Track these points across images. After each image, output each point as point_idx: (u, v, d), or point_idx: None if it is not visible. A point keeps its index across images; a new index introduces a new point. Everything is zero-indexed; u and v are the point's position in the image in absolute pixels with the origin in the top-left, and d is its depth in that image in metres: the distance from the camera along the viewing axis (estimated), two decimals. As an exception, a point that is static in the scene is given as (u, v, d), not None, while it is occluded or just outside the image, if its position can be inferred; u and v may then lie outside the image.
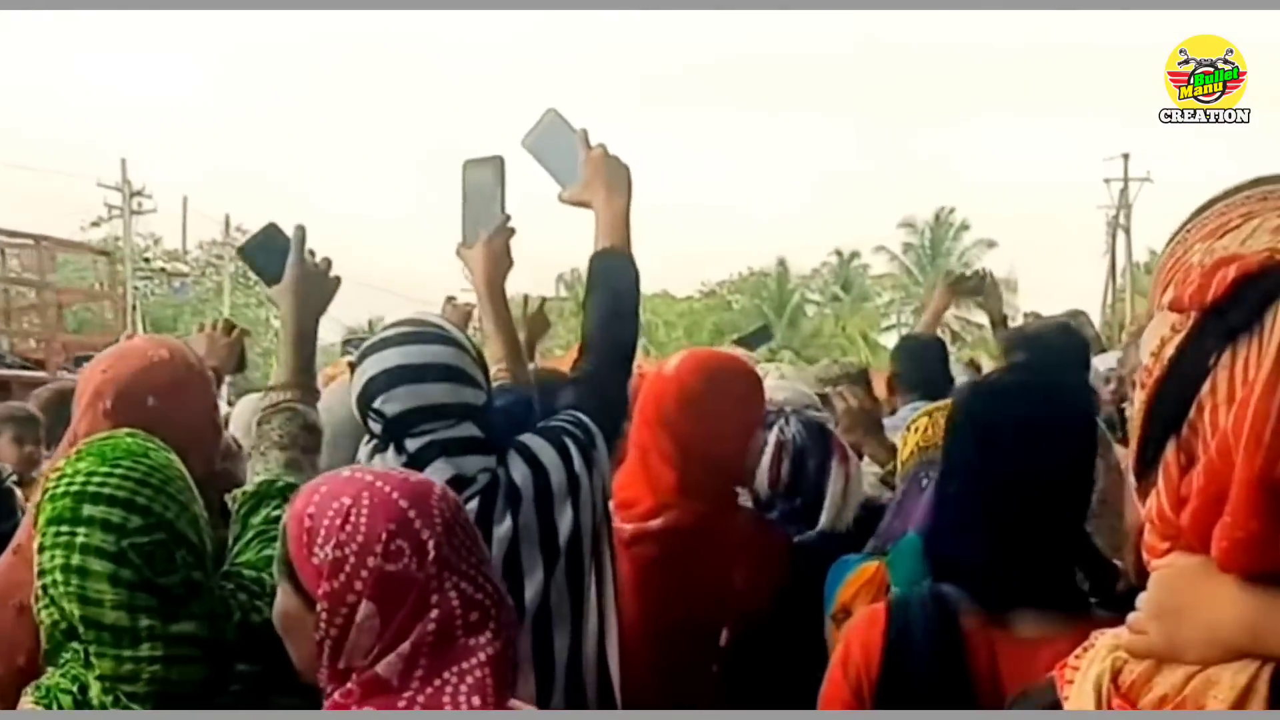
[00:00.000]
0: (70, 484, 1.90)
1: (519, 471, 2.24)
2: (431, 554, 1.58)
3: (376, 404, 2.21)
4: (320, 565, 1.58)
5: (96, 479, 1.89)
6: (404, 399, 2.20)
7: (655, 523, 2.64)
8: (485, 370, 2.32)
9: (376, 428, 2.23)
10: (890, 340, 47.35)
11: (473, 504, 2.16)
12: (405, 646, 1.55)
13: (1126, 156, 36.42)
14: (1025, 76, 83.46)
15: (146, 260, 31.25)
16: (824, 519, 2.89)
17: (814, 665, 2.40)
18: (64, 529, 1.86)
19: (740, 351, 4.08)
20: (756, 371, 2.96)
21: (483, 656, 1.57)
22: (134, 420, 2.13)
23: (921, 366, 4.71)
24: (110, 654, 1.84)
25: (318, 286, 2.48)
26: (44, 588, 1.89)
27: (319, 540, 1.58)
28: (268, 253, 2.49)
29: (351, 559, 1.56)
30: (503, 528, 2.19)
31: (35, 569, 1.91)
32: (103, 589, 1.83)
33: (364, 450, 2.30)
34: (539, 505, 2.22)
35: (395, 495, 1.60)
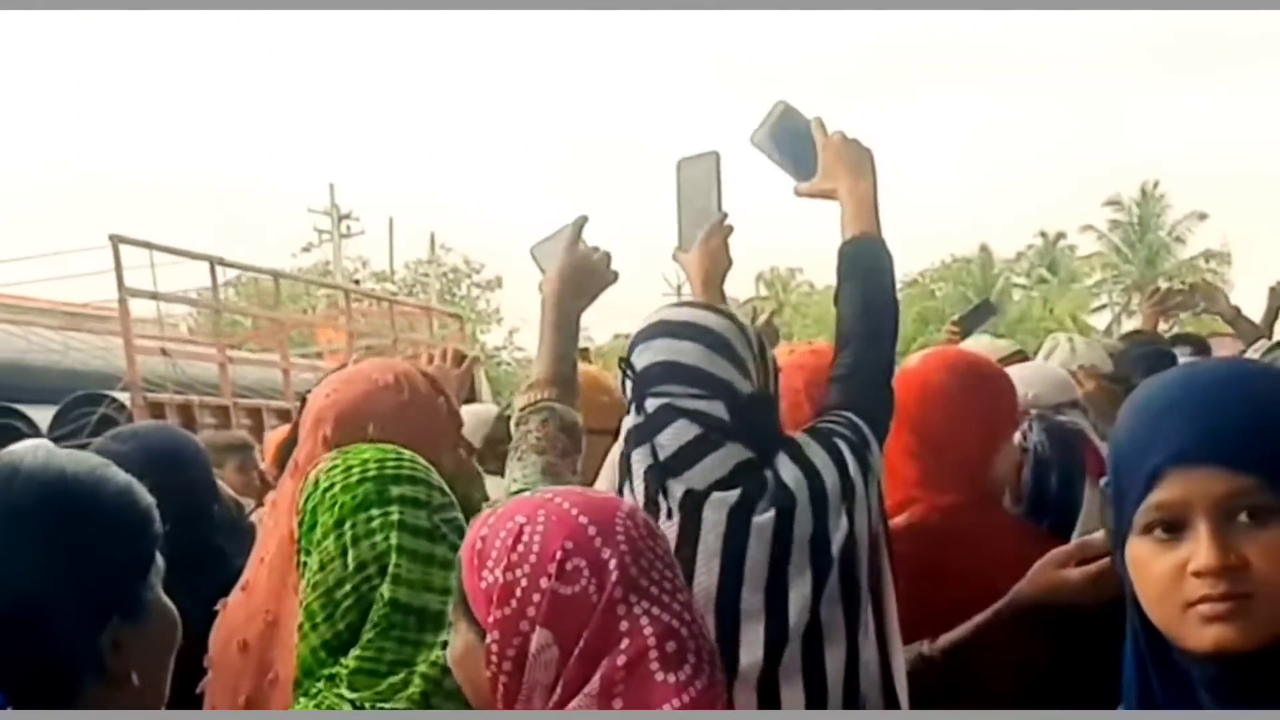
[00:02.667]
0: (365, 471, 1.83)
1: (789, 472, 2.10)
2: (614, 575, 1.43)
3: (631, 357, 2.13)
4: (490, 589, 1.45)
5: (391, 462, 1.83)
6: (654, 352, 2.11)
7: (899, 519, 2.49)
8: (766, 370, 2.20)
9: (628, 388, 2.14)
10: (1101, 321, 45.87)
11: (732, 493, 2.06)
12: (594, 684, 1.39)
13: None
14: (1226, 36, 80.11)
15: (357, 283, 32.18)
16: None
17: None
18: (375, 512, 1.79)
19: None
20: (1008, 374, 2.77)
21: (688, 697, 1.39)
22: None
23: None
24: (429, 642, 1.75)
25: (590, 275, 2.37)
26: (347, 584, 1.78)
27: (489, 563, 1.45)
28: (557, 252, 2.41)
29: (523, 581, 1.43)
30: (765, 531, 2.06)
31: (296, 571, 1.84)
32: (428, 570, 1.78)
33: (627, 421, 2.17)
34: (815, 511, 2.08)
35: (575, 511, 1.47)
